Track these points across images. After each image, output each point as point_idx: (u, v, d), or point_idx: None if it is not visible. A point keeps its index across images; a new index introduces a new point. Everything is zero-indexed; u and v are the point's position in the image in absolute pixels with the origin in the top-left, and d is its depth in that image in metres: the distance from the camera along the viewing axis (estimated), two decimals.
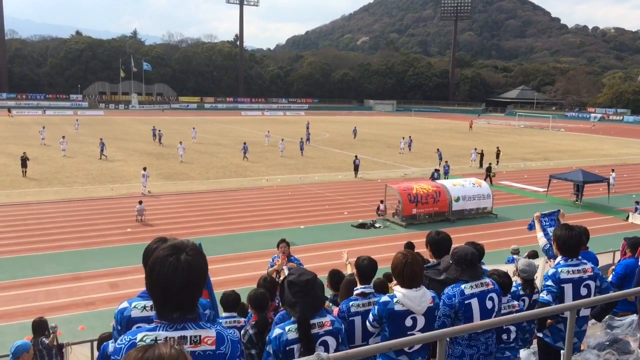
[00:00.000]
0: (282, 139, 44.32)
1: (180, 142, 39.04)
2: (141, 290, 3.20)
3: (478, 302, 4.35)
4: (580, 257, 4.90)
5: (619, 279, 6.66)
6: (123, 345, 2.19)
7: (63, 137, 40.93)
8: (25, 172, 31.37)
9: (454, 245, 5.10)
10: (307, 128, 59.98)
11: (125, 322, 3.08)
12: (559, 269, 4.79)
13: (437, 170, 32.46)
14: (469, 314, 4.31)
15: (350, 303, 4.41)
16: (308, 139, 49.57)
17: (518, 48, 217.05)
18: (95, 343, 8.42)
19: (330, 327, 3.62)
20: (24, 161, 31.60)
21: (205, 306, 3.59)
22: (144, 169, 28.61)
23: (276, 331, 3.59)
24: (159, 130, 49.53)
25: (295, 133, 54.28)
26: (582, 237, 4.90)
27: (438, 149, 41.75)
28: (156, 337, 2.19)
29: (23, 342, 6.79)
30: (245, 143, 41.25)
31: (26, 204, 25.03)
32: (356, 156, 35.40)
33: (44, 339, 7.77)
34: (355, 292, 4.52)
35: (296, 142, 45.40)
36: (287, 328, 3.56)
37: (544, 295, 4.80)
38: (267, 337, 3.80)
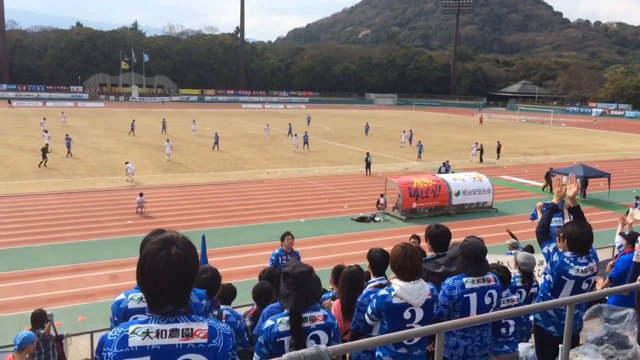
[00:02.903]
0: (296, 134, 44.16)
1: (168, 140, 37.88)
2: None
3: (477, 297, 4.38)
4: (590, 255, 4.77)
5: (619, 274, 6.56)
6: (115, 337, 2.17)
7: (45, 131, 40.35)
8: (45, 162, 31.80)
9: (454, 239, 5.10)
10: (308, 122, 59.87)
11: (122, 314, 3.10)
12: None
13: (444, 164, 32.24)
14: (466, 307, 4.34)
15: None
16: (290, 132, 48.46)
17: (520, 42, 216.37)
18: (94, 334, 8.45)
19: (322, 322, 3.62)
20: (44, 153, 31.95)
21: (202, 296, 3.58)
22: (126, 163, 29.74)
23: (268, 322, 3.61)
24: (163, 120, 51.35)
25: (295, 127, 54.10)
26: (592, 234, 4.81)
27: (420, 142, 41.12)
28: (148, 330, 2.18)
29: (28, 333, 6.72)
30: (216, 133, 42.48)
31: (26, 195, 25.05)
32: (368, 153, 34.40)
33: (40, 330, 7.78)
34: (371, 285, 4.52)
35: (299, 138, 45.11)
36: (278, 320, 3.57)
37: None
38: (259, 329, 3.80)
